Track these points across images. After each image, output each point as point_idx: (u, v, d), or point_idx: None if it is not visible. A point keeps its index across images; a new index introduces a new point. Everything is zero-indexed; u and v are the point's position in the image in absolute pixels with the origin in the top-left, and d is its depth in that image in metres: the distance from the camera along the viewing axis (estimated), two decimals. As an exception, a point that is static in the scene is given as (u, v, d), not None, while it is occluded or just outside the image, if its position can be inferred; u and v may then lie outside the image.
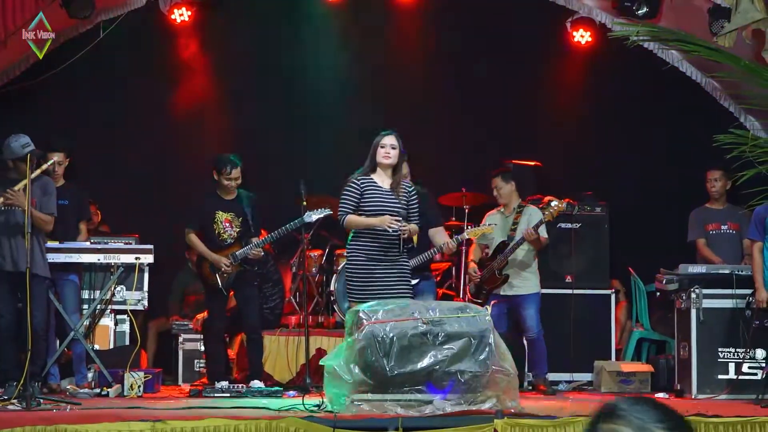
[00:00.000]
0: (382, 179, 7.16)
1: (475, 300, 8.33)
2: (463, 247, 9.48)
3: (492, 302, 8.22)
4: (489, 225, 8.41)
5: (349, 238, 7.24)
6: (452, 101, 10.63)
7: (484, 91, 10.53)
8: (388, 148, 7.13)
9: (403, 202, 7.14)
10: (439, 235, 8.00)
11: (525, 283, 8.39)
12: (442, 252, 8.00)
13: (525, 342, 8.42)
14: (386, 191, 7.11)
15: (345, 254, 7.30)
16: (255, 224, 8.23)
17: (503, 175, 8.56)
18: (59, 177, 8.10)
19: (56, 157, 7.91)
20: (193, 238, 8.19)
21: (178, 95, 10.42)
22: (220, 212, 8.17)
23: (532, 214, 8.44)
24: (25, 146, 7.17)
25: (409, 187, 7.25)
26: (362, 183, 7.13)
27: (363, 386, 6.17)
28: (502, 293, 8.37)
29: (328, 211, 8.24)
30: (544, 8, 10.23)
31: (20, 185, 7.14)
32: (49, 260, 7.62)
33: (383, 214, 7.00)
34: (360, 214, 7.07)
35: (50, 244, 7.68)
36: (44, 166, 7.19)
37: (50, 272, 7.67)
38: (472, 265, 8.46)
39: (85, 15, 9.24)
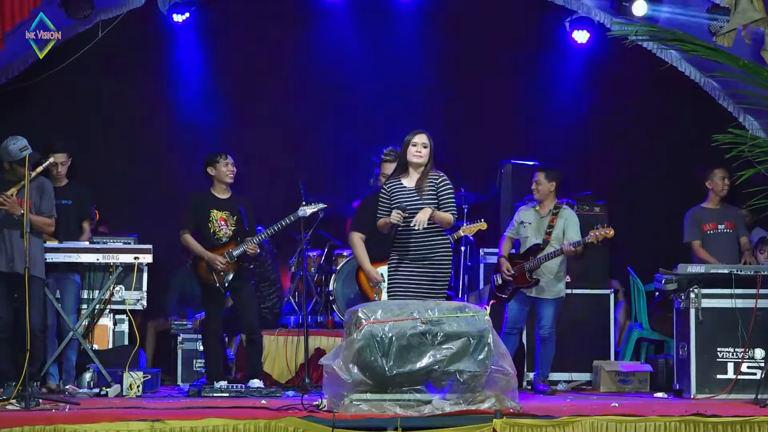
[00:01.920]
0: (409, 179, 7.14)
1: (499, 295, 8.38)
2: (462, 247, 9.50)
3: (491, 302, 8.21)
4: (522, 222, 8.46)
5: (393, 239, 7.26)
6: (452, 101, 10.62)
7: (484, 91, 10.53)
8: (419, 147, 7.10)
9: (428, 197, 7.04)
10: None
11: (552, 287, 8.39)
12: None
13: (538, 338, 8.44)
14: (409, 190, 7.09)
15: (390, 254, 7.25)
16: (249, 222, 8.24)
17: (548, 172, 8.53)
18: (62, 177, 8.11)
19: (59, 157, 7.93)
20: (188, 239, 8.20)
21: (177, 95, 10.42)
22: (215, 211, 8.19)
23: (569, 218, 8.44)
24: (23, 149, 7.14)
25: (437, 179, 7.11)
26: (390, 187, 7.16)
27: (362, 386, 6.17)
28: (527, 293, 8.39)
29: (322, 205, 8.28)
30: (544, 8, 10.24)
31: (14, 189, 7.10)
32: (49, 260, 7.64)
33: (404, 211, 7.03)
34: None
35: (50, 243, 7.68)
36: (39, 169, 7.15)
37: (53, 271, 7.70)
38: (505, 261, 8.44)
39: (84, 15, 9.23)
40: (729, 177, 8.59)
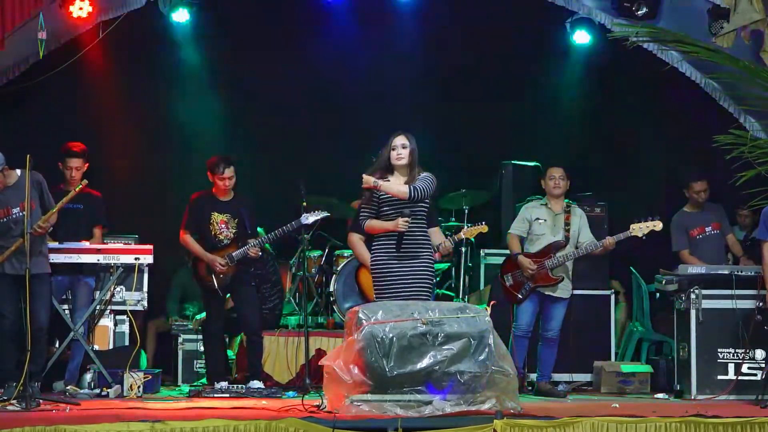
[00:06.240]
0: (398, 180, 7.09)
1: (513, 293, 8.19)
2: (463, 248, 9.50)
3: (491, 302, 8.18)
4: (538, 219, 8.19)
5: (373, 237, 7.21)
6: (452, 101, 10.63)
7: (484, 91, 10.53)
8: (399, 149, 7.07)
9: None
10: (435, 236, 7.99)
11: (566, 286, 8.22)
12: (438, 252, 7.95)
13: (543, 340, 8.24)
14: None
15: (370, 253, 7.19)
16: (251, 226, 8.23)
17: (565, 170, 8.29)
18: (75, 182, 8.09)
19: (74, 162, 8.05)
20: (188, 239, 8.20)
21: (178, 95, 10.43)
22: (216, 213, 8.18)
23: (583, 217, 8.31)
24: None
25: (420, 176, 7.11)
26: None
27: (362, 387, 6.17)
28: (545, 292, 8.18)
29: (324, 213, 8.26)
30: (544, 8, 10.23)
31: (46, 216, 7.10)
32: (49, 261, 7.63)
33: (399, 214, 6.98)
34: (380, 218, 7.06)
35: (51, 244, 7.68)
36: None
37: (67, 273, 7.79)
38: (526, 258, 8.14)
39: None
40: (707, 189, 8.49)
